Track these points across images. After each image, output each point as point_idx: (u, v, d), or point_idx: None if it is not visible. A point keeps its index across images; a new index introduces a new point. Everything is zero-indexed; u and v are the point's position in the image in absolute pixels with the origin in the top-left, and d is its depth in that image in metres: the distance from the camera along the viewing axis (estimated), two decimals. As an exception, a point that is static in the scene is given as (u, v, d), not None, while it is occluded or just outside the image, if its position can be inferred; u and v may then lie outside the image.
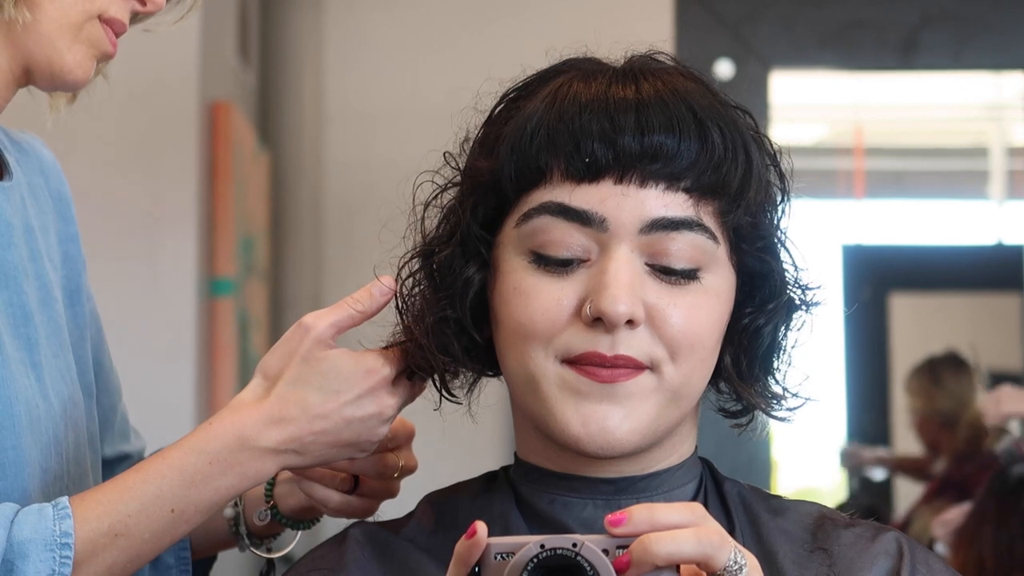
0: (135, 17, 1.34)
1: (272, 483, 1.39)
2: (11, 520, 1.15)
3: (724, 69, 3.64)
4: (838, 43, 3.71)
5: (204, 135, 3.12)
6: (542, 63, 1.24)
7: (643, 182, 1.15)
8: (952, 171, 6.66)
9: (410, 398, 1.25)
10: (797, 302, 1.23)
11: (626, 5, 3.62)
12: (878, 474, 5.16)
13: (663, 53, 1.25)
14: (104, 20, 1.29)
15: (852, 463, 5.20)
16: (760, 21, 3.70)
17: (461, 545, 1.01)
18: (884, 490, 5.29)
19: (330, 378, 1.21)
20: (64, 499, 1.18)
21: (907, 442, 5.58)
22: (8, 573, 1.13)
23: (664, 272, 1.16)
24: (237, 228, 3.24)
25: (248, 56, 3.66)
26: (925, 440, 4.78)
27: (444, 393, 1.24)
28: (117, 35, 1.30)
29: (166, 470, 1.20)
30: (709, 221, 1.17)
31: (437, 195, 1.25)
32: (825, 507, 1.26)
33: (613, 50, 1.25)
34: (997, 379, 4.95)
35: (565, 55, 1.25)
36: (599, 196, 1.15)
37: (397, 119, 3.69)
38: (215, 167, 3.17)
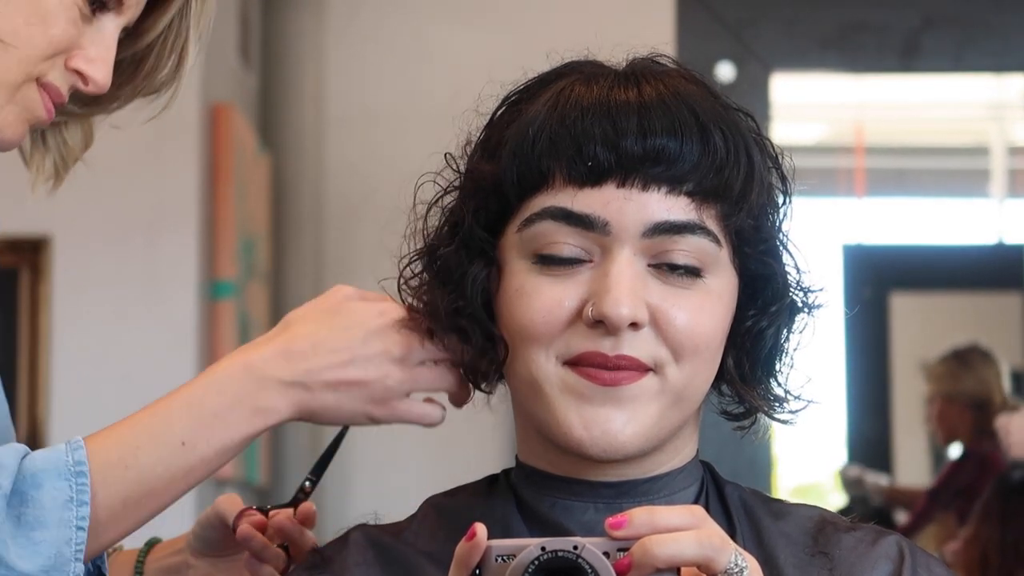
0: (90, 101, 1.30)
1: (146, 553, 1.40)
2: (22, 455, 1.14)
3: (725, 72, 3.64)
4: (839, 46, 3.72)
5: (205, 137, 3.12)
6: (543, 66, 1.24)
7: (645, 185, 1.15)
8: (953, 169, 6.67)
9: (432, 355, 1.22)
10: (799, 304, 1.23)
11: (627, 8, 3.62)
12: (876, 499, 5.15)
13: (664, 56, 1.24)
14: (42, 84, 1.24)
15: (851, 485, 5.18)
16: (761, 24, 3.70)
17: (461, 547, 1.01)
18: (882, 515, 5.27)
19: (342, 316, 1.22)
20: (77, 437, 1.17)
21: (908, 439, 5.58)
22: (22, 504, 1.11)
23: (668, 269, 1.16)
24: (238, 230, 3.24)
25: (249, 57, 3.66)
26: (943, 427, 4.76)
27: (470, 372, 1.21)
28: (55, 104, 1.26)
29: (173, 402, 1.20)
30: (711, 224, 1.17)
31: (439, 198, 1.25)
32: (826, 511, 1.25)
33: (614, 53, 1.24)
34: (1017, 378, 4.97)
35: (566, 58, 1.24)
36: (601, 200, 1.15)
37: (398, 121, 3.69)
38: (216, 169, 3.17)
